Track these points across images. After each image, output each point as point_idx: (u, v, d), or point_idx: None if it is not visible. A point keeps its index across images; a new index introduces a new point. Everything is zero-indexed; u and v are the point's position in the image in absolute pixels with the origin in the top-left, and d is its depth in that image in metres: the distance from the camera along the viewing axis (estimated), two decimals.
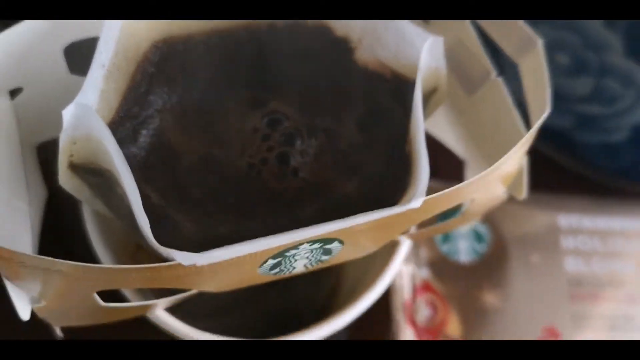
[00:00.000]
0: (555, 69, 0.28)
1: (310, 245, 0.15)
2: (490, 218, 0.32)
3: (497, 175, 0.17)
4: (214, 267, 0.15)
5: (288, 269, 0.17)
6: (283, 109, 0.20)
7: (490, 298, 0.30)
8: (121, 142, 0.18)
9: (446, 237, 0.31)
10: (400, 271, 0.31)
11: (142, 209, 0.14)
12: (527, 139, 0.16)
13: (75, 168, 0.16)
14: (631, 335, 0.30)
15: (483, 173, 0.16)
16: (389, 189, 0.17)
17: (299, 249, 0.15)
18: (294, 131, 0.19)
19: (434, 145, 0.23)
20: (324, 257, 0.17)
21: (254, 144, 0.19)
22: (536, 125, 0.16)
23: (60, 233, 0.23)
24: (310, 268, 0.17)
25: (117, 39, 0.17)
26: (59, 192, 0.21)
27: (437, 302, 0.30)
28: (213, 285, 0.16)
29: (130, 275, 0.14)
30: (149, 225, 0.14)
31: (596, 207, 0.33)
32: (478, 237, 0.31)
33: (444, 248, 0.31)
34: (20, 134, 0.19)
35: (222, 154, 0.19)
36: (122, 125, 0.18)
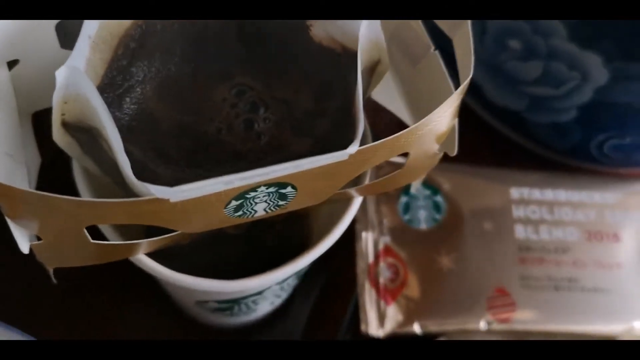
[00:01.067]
0: (508, 54, 0.31)
1: (267, 188, 0.18)
2: (448, 189, 0.35)
3: (430, 132, 0.20)
4: (185, 205, 0.18)
5: (250, 212, 0.20)
6: (248, 82, 0.23)
7: (446, 261, 0.33)
8: (108, 106, 0.20)
9: (407, 207, 0.34)
10: (365, 238, 0.33)
11: (124, 151, 0.17)
12: (455, 97, 0.19)
13: (67, 126, 0.19)
14: (574, 294, 0.33)
15: (414, 125, 0.18)
16: (338, 146, 0.20)
17: (257, 191, 0.18)
18: (257, 101, 0.22)
19: (385, 113, 0.26)
20: (281, 202, 0.19)
21: (222, 111, 0.22)
22: (462, 86, 0.19)
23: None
24: (270, 213, 0.20)
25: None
26: (51, 162, 0.24)
27: (398, 265, 0.33)
28: (187, 225, 0.19)
29: (114, 209, 0.17)
30: (129, 165, 0.17)
31: (545, 181, 0.36)
32: (436, 206, 0.34)
33: (405, 217, 0.34)
34: (18, 101, 0.22)
35: (195, 120, 0.22)
36: (108, 91, 0.20)
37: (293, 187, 0.19)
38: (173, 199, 0.17)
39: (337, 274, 0.35)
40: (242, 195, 0.18)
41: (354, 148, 0.18)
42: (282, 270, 0.23)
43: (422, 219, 0.34)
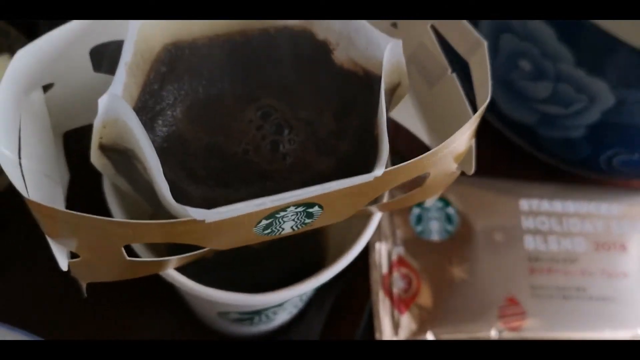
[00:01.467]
0: (519, 73, 0.31)
1: (296, 208, 0.19)
2: (460, 202, 0.36)
3: (449, 153, 0.21)
4: (218, 225, 0.18)
5: (278, 230, 0.20)
6: (273, 104, 0.24)
7: (458, 272, 0.34)
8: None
9: (419, 219, 0.35)
10: (379, 249, 0.34)
11: (162, 174, 0.18)
12: (473, 121, 0.20)
13: (103, 148, 0.20)
14: (582, 303, 0.34)
15: (435, 148, 0.19)
16: (360, 166, 0.21)
17: (286, 211, 0.19)
18: (282, 123, 0.23)
19: (406, 133, 0.27)
20: (308, 220, 0.20)
21: (249, 133, 0.23)
22: (480, 110, 0.20)
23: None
24: (297, 230, 0.21)
25: (135, 41, 0.20)
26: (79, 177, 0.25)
27: (411, 275, 0.34)
28: (218, 243, 0.20)
29: (151, 229, 0.18)
30: (168, 188, 0.18)
31: (554, 193, 0.37)
32: (448, 218, 0.35)
33: (418, 228, 0.35)
34: (51, 122, 0.23)
35: (223, 141, 0.23)
36: (141, 114, 0.21)
37: (320, 206, 0.20)
38: (208, 220, 0.18)
39: (352, 284, 0.35)
40: (273, 215, 0.19)
41: (380, 171, 0.18)
42: (305, 284, 0.23)
43: (435, 230, 0.35)
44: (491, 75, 0.21)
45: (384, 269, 0.34)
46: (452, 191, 0.35)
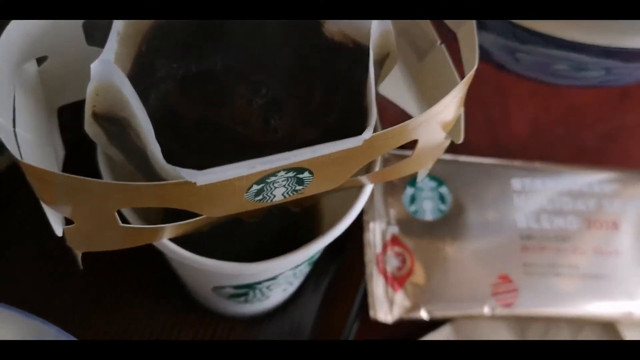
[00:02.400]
0: None
1: (286, 173, 0.19)
2: (453, 181, 0.36)
3: (438, 120, 0.21)
4: (210, 189, 0.19)
5: (270, 197, 0.21)
6: (265, 79, 0.24)
7: (451, 250, 0.34)
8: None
9: (413, 199, 0.35)
10: (373, 228, 0.35)
11: (154, 136, 0.18)
12: (461, 87, 0.20)
13: (96, 116, 0.20)
14: (574, 280, 0.34)
15: (422, 114, 0.20)
16: (350, 136, 0.21)
17: (277, 176, 0.19)
18: (273, 97, 0.23)
19: (395, 112, 0.27)
20: (299, 187, 0.21)
21: (240, 107, 0.23)
22: (467, 77, 0.20)
23: None
24: (288, 197, 0.21)
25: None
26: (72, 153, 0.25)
27: (405, 254, 0.34)
28: (210, 209, 0.20)
29: (145, 192, 0.18)
30: (160, 150, 0.18)
31: (546, 172, 0.37)
32: (441, 198, 0.35)
33: (412, 208, 0.35)
34: (45, 96, 0.23)
35: (215, 114, 0.23)
36: (134, 85, 0.22)
37: (310, 172, 0.20)
38: (199, 182, 0.18)
39: (347, 264, 0.36)
40: (263, 179, 0.19)
41: (368, 134, 0.19)
42: (297, 254, 0.24)
43: (428, 210, 0.35)
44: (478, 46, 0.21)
45: (378, 248, 0.34)
46: (445, 171, 0.36)
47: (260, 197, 0.20)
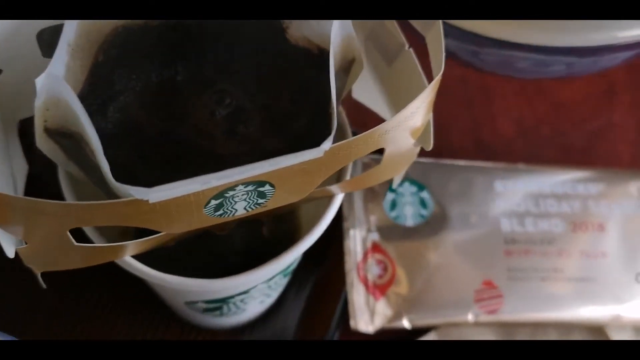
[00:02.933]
0: None
1: (245, 187, 0.19)
2: (434, 185, 0.35)
3: (405, 127, 0.20)
4: (165, 206, 0.18)
5: (231, 211, 0.20)
6: (228, 88, 0.23)
7: (433, 256, 0.33)
8: (91, 115, 0.21)
9: (394, 205, 0.34)
10: (353, 236, 0.34)
11: (103, 154, 0.17)
12: (427, 93, 0.20)
13: (49, 132, 0.20)
14: (560, 284, 0.34)
15: (389, 121, 0.19)
16: (317, 145, 0.20)
17: (235, 190, 0.19)
18: (238, 106, 0.23)
19: (373, 113, 0.26)
20: (261, 200, 0.20)
21: (203, 117, 0.23)
22: (433, 83, 0.20)
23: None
24: (251, 211, 0.21)
25: (80, 22, 0.20)
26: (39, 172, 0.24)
27: (386, 261, 0.33)
28: (169, 225, 0.19)
29: (95, 211, 0.17)
30: (108, 167, 0.17)
31: (529, 174, 0.36)
32: (423, 203, 0.35)
33: (392, 214, 0.34)
34: (2, 110, 0.23)
35: (177, 127, 0.22)
36: (90, 98, 0.21)
37: (271, 185, 0.19)
38: (152, 200, 0.17)
39: (328, 272, 0.35)
40: (221, 194, 0.19)
41: (327, 145, 0.18)
42: (265, 268, 0.23)
43: (409, 215, 0.34)
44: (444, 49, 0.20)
45: (359, 255, 0.33)
46: (426, 175, 0.35)
47: (221, 211, 0.20)
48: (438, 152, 0.39)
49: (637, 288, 0.34)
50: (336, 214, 0.35)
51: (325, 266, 0.35)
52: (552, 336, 0.34)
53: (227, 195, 0.19)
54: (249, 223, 0.25)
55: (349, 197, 0.35)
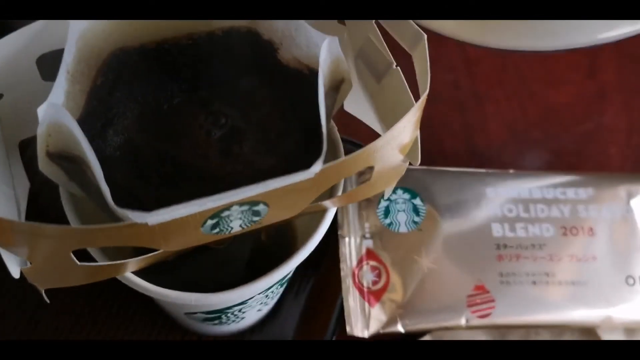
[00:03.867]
0: None
1: (240, 207, 0.19)
2: (426, 192, 0.36)
3: (393, 145, 0.21)
4: (163, 227, 0.19)
5: (227, 229, 0.21)
6: (224, 109, 0.24)
7: (426, 262, 0.34)
8: (91, 139, 0.22)
9: (387, 212, 0.35)
10: (348, 243, 0.35)
11: (104, 180, 0.18)
12: (414, 111, 0.20)
13: (51, 156, 0.20)
14: (551, 288, 0.34)
15: (377, 140, 0.20)
16: (308, 163, 0.21)
17: (230, 210, 0.19)
18: (232, 127, 0.24)
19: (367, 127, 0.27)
20: (255, 218, 0.21)
21: (199, 138, 0.23)
22: (419, 102, 0.20)
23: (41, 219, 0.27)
24: (246, 228, 0.21)
25: (79, 49, 0.21)
26: (40, 188, 0.25)
27: (380, 268, 0.34)
28: (167, 244, 0.20)
29: (97, 235, 0.18)
30: (109, 192, 0.18)
31: (520, 180, 0.37)
32: (415, 210, 0.35)
33: (386, 221, 0.35)
34: (3, 132, 0.23)
35: (174, 148, 0.23)
36: (90, 122, 0.22)
37: (265, 204, 0.20)
38: (151, 223, 0.18)
39: (325, 279, 0.36)
40: (217, 214, 0.19)
41: (317, 167, 0.19)
42: (261, 281, 0.24)
43: (402, 222, 0.35)
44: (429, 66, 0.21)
45: (354, 262, 0.34)
46: (418, 182, 0.36)
47: (217, 229, 0.20)
48: (430, 158, 0.40)
49: (627, 290, 0.35)
50: (332, 221, 0.36)
51: (321, 273, 0.36)
52: (545, 337, 0.35)
53: (222, 215, 0.20)
54: (246, 236, 0.26)
55: (343, 205, 0.35)
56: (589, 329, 0.35)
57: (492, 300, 0.34)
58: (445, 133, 0.43)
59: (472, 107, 0.44)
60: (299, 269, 0.36)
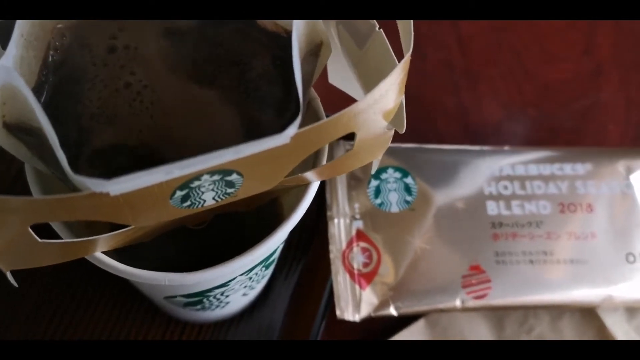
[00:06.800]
0: None
1: (211, 176, 0.18)
2: (419, 171, 0.35)
3: (377, 110, 0.20)
4: (128, 198, 0.17)
5: (199, 202, 0.19)
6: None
7: (419, 242, 0.33)
8: (45, 105, 0.20)
9: (378, 191, 0.34)
10: (337, 224, 0.33)
11: (59, 147, 0.17)
12: (397, 72, 0.19)
13: (9, 127, 0.19)
14: (549, 267, 0.33)
15: (358, 103, 0.18)
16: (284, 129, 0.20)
17: (201, 180, 0.18)
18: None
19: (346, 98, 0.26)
20: (230, 190, 0.19)
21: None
22: (402, 62, 0.19)
23: None
24: (221, 201, 0.20)
25: None
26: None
27: (371, 249, 0.33)
28: (135, 219, 0.19)
29: (51, 206, 0.17)
30: (65, 159, 0.17)
31: (516, 156, 0.36)
32: (407, 189, 0.34)
33: (377, 201, 0.34)
34: None
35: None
36: (44, 89, 0.20)
37: (239, 173, 0.19)
38: (112, 192, 0.17)
39: (314, 262, 0.35)
40: (187, 185, 0.18)
41: (292, 130, 0.17)
42: (236, 261, 0.22)
43: (394, 202, 0.34)
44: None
45: (343, 244, 0.33)
46: (410, 160, 0.35)
47: (189, 202, 0.19)
48: (424, 137, 0.38)
49: (628, 268, 0.33)
50: (321, 203, 0.35)
51: (311, 256, 0.35)
52: (544, 319, 0.34)
53: (192, 185, 0.18)
54: (228, 216, 0.25)
55: (332, 185, 0.34)
56: (589, 309, 0.34)
57: (488, 281, 0.32)
58: (438, 113, 0.41)
59: (466, 86, 0.43)
60: (289, 252, 0.35)
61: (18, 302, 0.33)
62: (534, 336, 0.33)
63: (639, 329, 0.34)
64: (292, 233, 0.34)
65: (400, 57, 0.21)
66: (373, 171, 0.25)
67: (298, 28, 0.19)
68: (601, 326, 0.33)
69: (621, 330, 0.33)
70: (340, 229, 0.33)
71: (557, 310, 0.34)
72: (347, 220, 0.33)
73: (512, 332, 0.33)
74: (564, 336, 0.33)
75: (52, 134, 0.17)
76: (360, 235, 0.33)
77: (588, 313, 0.34)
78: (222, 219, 0.25)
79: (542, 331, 0.34)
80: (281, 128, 0.19)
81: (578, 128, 0.41)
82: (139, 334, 0.33)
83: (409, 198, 0.34)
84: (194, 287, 0.24)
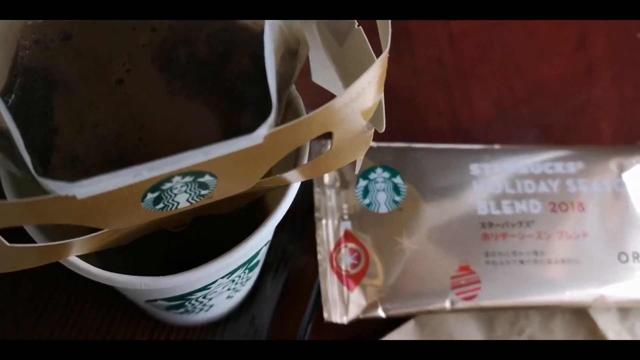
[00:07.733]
0: None
1: (182, 178, 0.18)
2: (407, 170, 0.34)
3: (355, 108, 0.19)
4: (97, 201, 0.17)
5: (172, 204, 0.19)
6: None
7: (408, 243, 0.33)
8: (14, 106, 0.20)
9: (366, 192, 0.33)
10: (325, 225, 0.33)
11: (24, 148, 0.16)
12: (374, 69, 0.18)
13: None
14: (540, 267, 0.32)
15: (333, 101, 0.18)
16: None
17: (172, 182, 0.18)
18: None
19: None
20: (204, 191, 0.19)
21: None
22: (380, 58, 0.19)
23: None
24: (196, 203, 0.20)
25: None
26: None
27: (359, 250, 0.32)
28: (106, 222, 0.18)
29: (16, 209, 0.16)
30: (30, 162, 0.16)
31: (505, 155, 0.35)
32: (396, 189, 0.34)
33: (365, 201, 0.33)
34: None
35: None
36: (13, 91, 0.20)
37: (212, 175, 0.18)
38: (79, 196, 0.16)
39: (303, 264, 0.34)
40: (157, 187, 0.18)
41: (263, 130, 0.17)
42: (212, 265, 0.22)
43: (382, 202, 0.33)
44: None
45: (331, 245, 0.32)
46: (399, 160, 0.34)
47: (161, 205, 0.19)
48: (413, 136, 0.38)
49: (620, 267, 0.33)
50: (309, 203, 0.34)
51: (299, 257, 0.34)
52: (535, 320, 0.34)
53: (164, 187, 0.18)
54: (209, 219, 0.24)
55: (320, 186, 0.34)
56: (581, 310, 0.33)
57: (478, 282, 0.32)
58: (429, 111, 0.41)
59: (456, 84, 0.42)
60: (276, 253, 0.34)
61: (6, 302, 0.33)
62: (525, 337, 0.33)
63: (632, 329, 0.33)
64: (280, 234, 0.34)
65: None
66: (357, 171, 0.25)
67: (271, 27, 0.19)
68: (593, 327, 0.33)
69: (613, 330, 0.33)
70: (328, 230, 0.33)
71: (548, 311, 0.33)
72: (335, 221, 0.33)
73: (503, 333, 0.33)
74: (555, 337, 0.33)
75: (17, 136, 0.16)
76: (348, 236, 0.33)
77: (580, 313, 0.34)
78: (202, 221, 0.25)
79: (533, 332, 0.33)
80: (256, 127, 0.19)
81: (570, 125, 0.41)
82: (126, 336, 0.33)
83: (397, 198, 0.33)
84: (173, 290, 0.24)
